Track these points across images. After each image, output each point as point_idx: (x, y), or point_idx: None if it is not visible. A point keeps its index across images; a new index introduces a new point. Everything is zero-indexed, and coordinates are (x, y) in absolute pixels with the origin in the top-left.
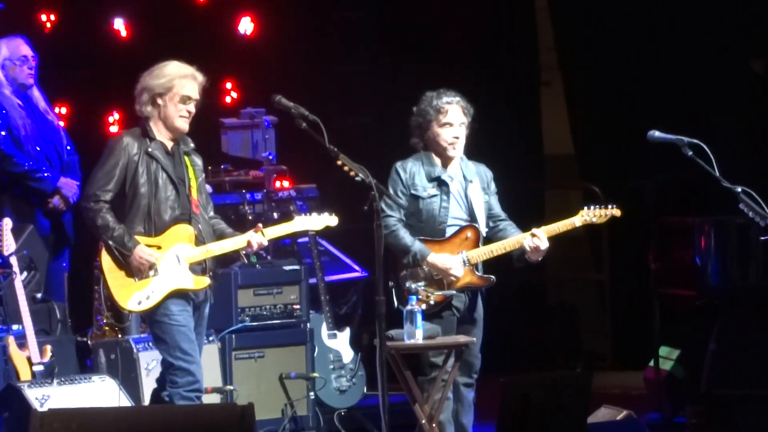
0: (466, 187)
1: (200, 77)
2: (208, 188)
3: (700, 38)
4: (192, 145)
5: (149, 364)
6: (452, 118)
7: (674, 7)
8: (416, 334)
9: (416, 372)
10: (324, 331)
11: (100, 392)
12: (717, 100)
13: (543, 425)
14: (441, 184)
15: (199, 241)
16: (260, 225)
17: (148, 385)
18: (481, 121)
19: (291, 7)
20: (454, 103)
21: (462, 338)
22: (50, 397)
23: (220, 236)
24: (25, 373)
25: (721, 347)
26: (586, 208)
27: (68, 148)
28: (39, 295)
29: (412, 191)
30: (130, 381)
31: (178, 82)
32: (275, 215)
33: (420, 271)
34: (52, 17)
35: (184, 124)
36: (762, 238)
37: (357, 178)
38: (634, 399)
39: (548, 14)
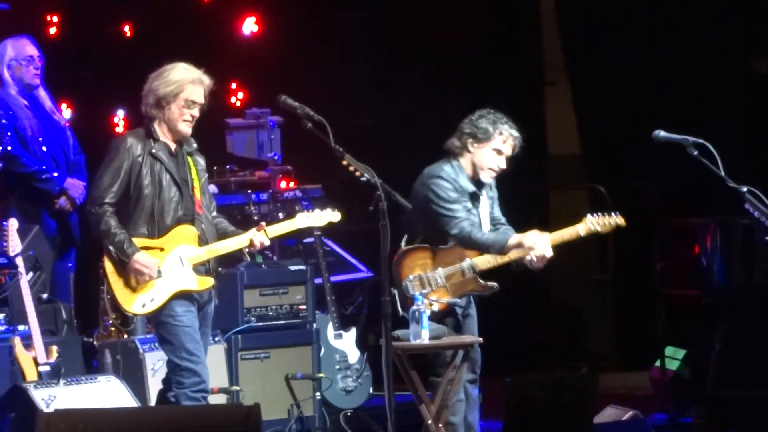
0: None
1: (207, 80)
2: (214, 188)
3: (703, 39)
4: (195, 145)
5: (155, 364)
6: (506, 149)
7: (678, 8)
8: (422, 334)
9: (428, 373)
10: (330, 331)
11: (107, 393)
12: (720, 100)
13: (547, 425)
14: (473, 197)
15: (203, 241)
16: (263, 224)
17: (154, 386)
18: None
19: (293, 8)
20: (514, 138)
21: (468, 338)
22: (56, 398)
23: (222, 235)
24: (31, 374)
25: (726, 348)
26: (590, 214)
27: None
28: (45, 296)
29: (462, 201)
30: (136, 381)
31: (185, 88)
32: (281, 215)
33: (425, 278)
34: (56, 18)
35: (187, 128)
36: (767, 237)
37: (362, 179)
38: (639, 399)
39: (554, 15)
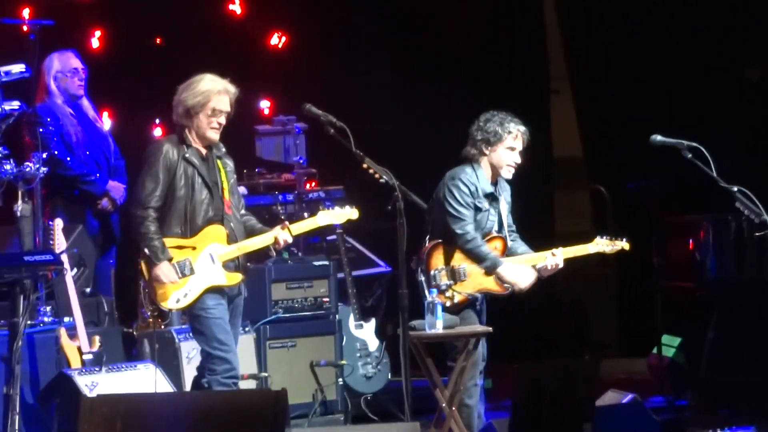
0: (500, 200)
1: (232, 90)
2: (244, 190)
3: (700, 46)
4: (224, 149)
5: (190, 353)
6: (518, 145)
7: (674, 18)
8: (437, 324)
9: (445, 358)
10: (351, 321)
11: (145, 379)
12: (717, 105)
13: (554, 408)
14: (492, 199)
15: (231, 239)
16: (286, 222)
17: (189, 373)
18: None
19: (318, 23)
20: (523, 133)
21: (480, 328)
22: (99, 384)
23: (250, 233)
24: (75, 362)
25: (718, 336)
26: (599, 237)
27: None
28: (88, 290)
29: (477, 203)
30: (172, 369)
31: (212, 98)
32: (305, 215)
33: (450, 271)
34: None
35: (214, 135)
36: (756, 234)
37: (381, 180)
38: (638, 383)
39: (558, 29)
